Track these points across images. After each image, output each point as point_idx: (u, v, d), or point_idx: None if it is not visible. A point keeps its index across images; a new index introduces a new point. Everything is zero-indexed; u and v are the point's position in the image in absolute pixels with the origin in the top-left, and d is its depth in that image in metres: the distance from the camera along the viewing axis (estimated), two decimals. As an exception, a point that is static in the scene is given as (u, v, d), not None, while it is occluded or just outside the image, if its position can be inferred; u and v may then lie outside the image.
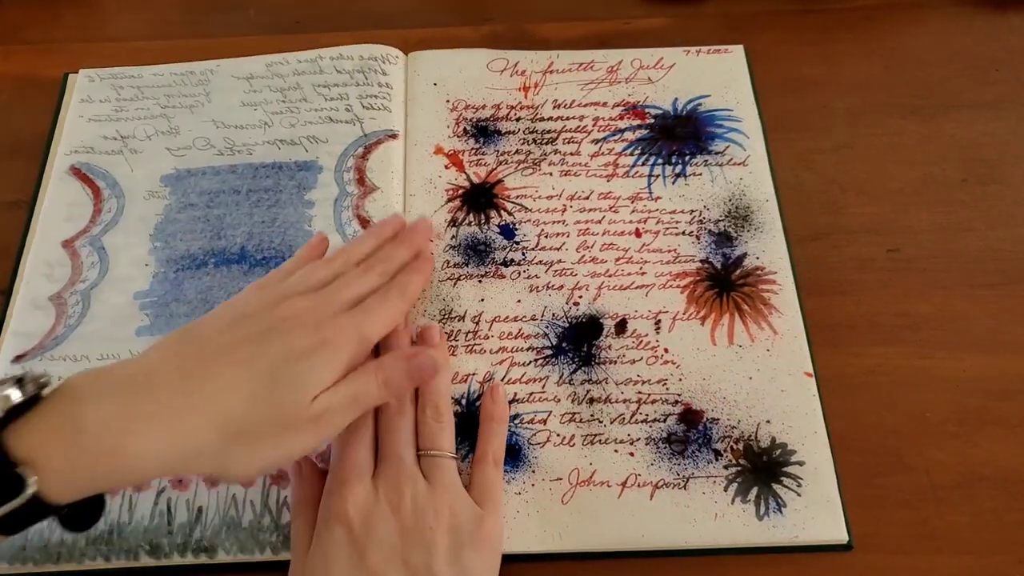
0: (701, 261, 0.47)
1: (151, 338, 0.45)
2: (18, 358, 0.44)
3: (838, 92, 0.54)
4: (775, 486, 0.41)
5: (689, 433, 0.42)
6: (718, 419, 0.43)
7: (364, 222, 0.48)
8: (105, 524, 0.40)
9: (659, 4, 0.59)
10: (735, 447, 0.42)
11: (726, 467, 0.42)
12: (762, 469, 0.41)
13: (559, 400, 0.43)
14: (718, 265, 0.47)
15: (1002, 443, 0.43)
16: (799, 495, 0.41)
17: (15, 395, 0.31)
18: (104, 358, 0.44)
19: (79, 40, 0.58)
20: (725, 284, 0.46)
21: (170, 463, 0.32)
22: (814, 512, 0.40)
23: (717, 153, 0.51)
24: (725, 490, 0.41)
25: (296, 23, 0.59)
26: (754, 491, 0.41)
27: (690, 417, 0.43)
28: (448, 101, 0.53)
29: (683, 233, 0.48)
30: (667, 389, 0.44)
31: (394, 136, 0.51)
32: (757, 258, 0.47)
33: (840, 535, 0.40)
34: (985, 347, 0.46)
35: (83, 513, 0.34)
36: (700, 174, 0.50)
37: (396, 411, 0.40)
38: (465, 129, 0.52)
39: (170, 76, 0.54)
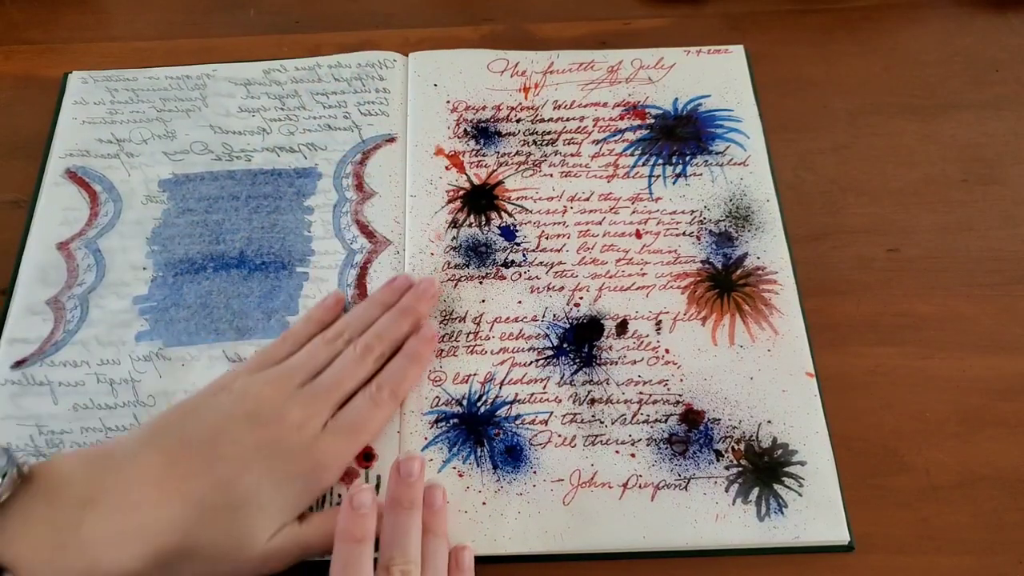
0: (702, 262, 0.47)
1: (151, 343, 0.45)
2: (18, 364, 0.44)
3: (838, 92, 0.54)
4: (776, 487, 0.41)
5: (690, 434, 0.42)
6: (719, 419, 0.43)
7: (363, 227, 0.48)
8: None
9: (659, 4, 0.59)
10: (736, 447, 0.42)
11: (727, 468, 0.42)
12: (763, 469, 0.41)
13: (560, 401, 0.43)
14: (719, 265, 0.47)
15: (1002, 443, 0.43)
16: (800, 495, 0.41)
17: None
18: (104, 363, 0.44)
19: (79, 40, 0.58)
20: (726, 284, 0.47)
21: (134, 573, 0.34)
22: (815, 513, 0.40)
23: (717, 153, 0.51)
24: (726, 491, 0.41)
25: (296, 23, 0.58)
26: (755, 492, 0.41)
27: (691, 418, 0.43)
28: (448, 102, 0.53)
29: (684, 234, 0.48)
30: (668, 390, 0.44)
31: (392, 140, 0.51)
32: (758, 258, 0.47)
33: (841, 536, 0.40)
34: (985, 347, 0.46)
35: None
36: (700, 174, 0.50)
37: None
38: (465, 130, 0.52)
39: (166, 80, 0.54)
